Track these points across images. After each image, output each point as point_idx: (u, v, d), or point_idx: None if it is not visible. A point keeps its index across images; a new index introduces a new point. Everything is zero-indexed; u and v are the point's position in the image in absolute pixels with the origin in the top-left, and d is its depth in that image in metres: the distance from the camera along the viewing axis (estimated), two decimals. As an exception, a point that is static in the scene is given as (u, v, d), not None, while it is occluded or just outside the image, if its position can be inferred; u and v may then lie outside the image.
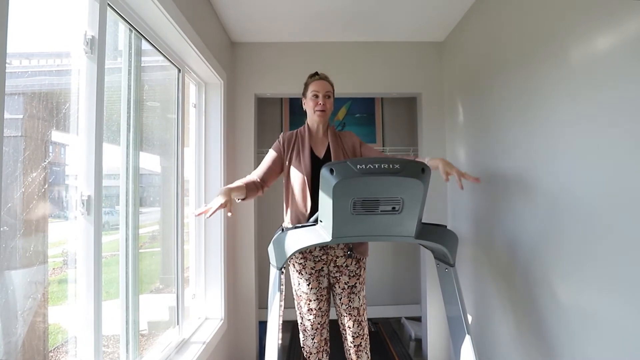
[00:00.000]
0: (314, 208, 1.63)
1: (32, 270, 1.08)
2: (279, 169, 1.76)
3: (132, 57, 1.45)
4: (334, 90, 1.81)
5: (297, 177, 1.70)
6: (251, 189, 1.62)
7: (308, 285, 1.69)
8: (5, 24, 0.71)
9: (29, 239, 1.02)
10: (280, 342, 1.46)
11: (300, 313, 1.74)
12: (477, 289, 2.08)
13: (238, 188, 1.55)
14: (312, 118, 1.78)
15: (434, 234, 1.45)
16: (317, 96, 1.74)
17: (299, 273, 1.71)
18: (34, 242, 1.04)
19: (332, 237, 1.34)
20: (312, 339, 1.73)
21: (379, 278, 3.26)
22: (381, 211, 1.30)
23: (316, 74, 1.79)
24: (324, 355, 1.77)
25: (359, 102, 3.21)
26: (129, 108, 1.42)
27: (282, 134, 1.81)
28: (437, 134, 2.56)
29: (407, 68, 2.59)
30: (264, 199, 2.98)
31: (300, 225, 1.47)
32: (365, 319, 1.76)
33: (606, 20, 1.17)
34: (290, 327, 2.88)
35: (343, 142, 1.78)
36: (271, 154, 1.76)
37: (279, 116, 3.20)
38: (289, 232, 1.45)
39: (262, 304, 2.74)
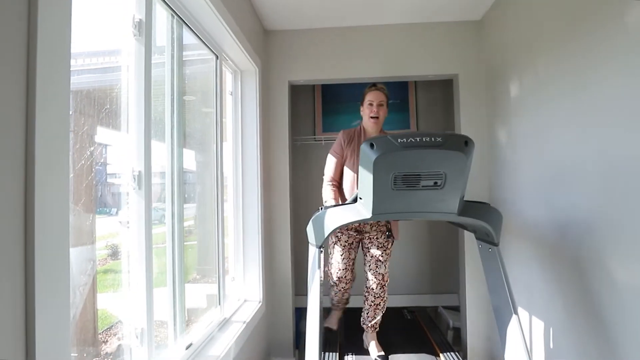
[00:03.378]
0: None
1: (85, 248, 1.15)
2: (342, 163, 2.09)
3: (175, 46, 1.50)
4: (388, 100, 2.07)
5: (348, 175, 2.03)
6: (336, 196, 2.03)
7: (341, 255, 2.06)
8: (69, 24, 0.74)
9: (79, 219, 1.08)
10: (320, 322, 1.47)
11: (330, 275, 2.15)
12: (520, 272, 1.99)
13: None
14: (367, 123, 2.07)
15: (477, 211, 1.41)
16: (371, 104, 2.02)
17: (335, 244, 2.08)
18: (84, 222, 1.10)
19: (372, 213, 1.33)
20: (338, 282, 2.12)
21: (416, 267, 3.21)
22: (422, 186, 1.28)
23: (373, 85, 2.07)
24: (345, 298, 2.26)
25: (392, 88, 3.16)
26: (172, 102, 1.47)
27: (342, 132, 2.10)
28: (476, 117, 2.48)
29: (443, 49, 2.52)
30: (298, 183, 3.01)
31: (339, 203, 1.47)
32: (387, 285, 2.05)
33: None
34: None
35: None
36: (335, 156, 2.07)
37: (311, 104, 3.21)
38: (329, 210, 1.45)
39: (299, 290, 2.77)
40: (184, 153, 1.58)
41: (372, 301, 2.04)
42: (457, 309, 2.92)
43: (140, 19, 1.20)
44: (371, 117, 2.02)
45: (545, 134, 1.75)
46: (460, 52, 2.51)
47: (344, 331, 2.40)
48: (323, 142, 3.12)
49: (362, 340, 2.15)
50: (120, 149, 1.19)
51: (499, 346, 2.35)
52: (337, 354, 2.08)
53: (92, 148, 1.09)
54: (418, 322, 2.61)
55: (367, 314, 2.07)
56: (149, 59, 1.19)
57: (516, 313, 1.35)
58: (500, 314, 1.42)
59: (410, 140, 1.21)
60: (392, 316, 2.71)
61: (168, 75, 1.47)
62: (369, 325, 2.07)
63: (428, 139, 1.21)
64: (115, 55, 1.22)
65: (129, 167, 1.17)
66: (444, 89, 3.18)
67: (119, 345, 1.23)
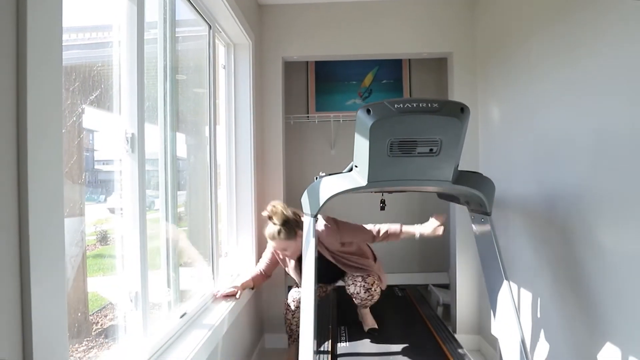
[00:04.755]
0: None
1: (75, 219, 1.13)
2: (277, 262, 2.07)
3: (167, 21, 1.46)
4: (292, 235, 1.83)
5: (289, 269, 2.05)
6: (258, 279, 2.02)
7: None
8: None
9: (70, 191, 1.06)
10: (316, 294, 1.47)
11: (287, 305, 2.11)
12: (509, 245, 2.04)
13: (247, 283, 1.97)
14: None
15: (471, 180, 1.43)
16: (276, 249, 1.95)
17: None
18: (73, 194, 1.08)
19: (368, 181, 1.34)
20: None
21: (406, 246, 3.26)
22: (418, 153, 1.28)
23: (268, 222, 1.87)
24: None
25: (386, 67, 3.15)
26: (164, 80, 1.44)
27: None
28: (469, 96, 2.49)
29: (437, 27, 2.51)
30: (291, 163, 3.00)
31: (334, 172, 1.47)
32: (375, 287, 2.01)
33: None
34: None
35: (324, 243, 1.89)
36: (268, 253, 2.07)
37: (304, 83, 3.18)
38: (324, 178, 1.45)
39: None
40: (176, 136, 1.56)
41: (360, 302, 2.00)
42: (446, 287, 2.98)
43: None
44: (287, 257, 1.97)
45: (537, 110, 1.77)
46: (454, 31, 2.51)
47: (337, 304, 2.44)
48: (317, 121, 3.11)
49: (356, 314, 2.19)
50: (109, 131, 1.17)
51: (485, 320, 2.41)
52: (332, 326, 2.12)
53: (79, 120, 1.06)
54: (409, 299, 2.66)
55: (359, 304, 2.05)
56: (141, 28, 1.16)
57: (507, 279, 1.38)
58: (492, 281, 1.46)
59: (407, 105, 1.21)
60: (384, 294, 2.76)
61: (160, 52, 1.43)
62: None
63: (425, 105, 1.21)
64: (106, 30, 1.18)
65: (122, 130, 1.15)
66: (438, 68, 3.18)
67: (110, 326, 1.23)
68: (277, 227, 1.81)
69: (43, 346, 0.64)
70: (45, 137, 0.66)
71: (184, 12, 1.70)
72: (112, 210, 1.29)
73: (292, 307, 2.06)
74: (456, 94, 2.50)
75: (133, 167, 1.14)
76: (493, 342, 2.33)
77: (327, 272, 2.01)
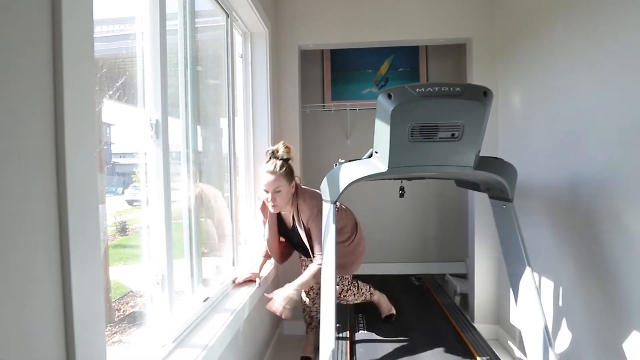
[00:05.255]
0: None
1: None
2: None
3: (187, 12, 1.47)
4: (290, 177, 1.78)
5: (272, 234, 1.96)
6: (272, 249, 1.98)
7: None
8: None
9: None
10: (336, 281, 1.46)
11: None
12: (530, 233, 2.00)
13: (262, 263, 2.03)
14: (268, 205, 1.81)
15: (492, 165, 1.41)
16: (267, 192, 1.76)
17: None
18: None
19: (388, 167, 1.33)
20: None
21: (423, 235, 3.24)
22: (440, 138, 1.27)
23: (270, 158, 1.78)
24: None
25: (403, 55, 3.11)
26: (185, 71, 1.45)
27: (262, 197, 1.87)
28: (489, 81, 2.43)
29: (456, 12, 2.46)
30: (307, 152, 3.00)
31: (354, 159, 1.47)
32: (354, 287, 2.04)
33: None
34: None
35: (300, 214, 1.82)
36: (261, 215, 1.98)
37: (320, 72, 3.17)
38: (344, 165, 1.45)
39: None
40: (197, 127, 1.58)
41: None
42: (464, 276, 2.96)
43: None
44: (270, 205, 1.78)
45: (561, 93, 1.73)
46: (473, 15, 2.45)
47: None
48: (333, 110, 3.10)
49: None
50: (127, 123, 1.19)
51: (504, 310, 2.39)
52: (349, 314, 2.13)
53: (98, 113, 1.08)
54: (426, 288, 2.65)
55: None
56: (163, 23, 1.17)
57: (529, 265, 1.36)
58: (514, 268, 1.44)
59: (429, 89, 1.19)
60: (400, 283, 2.76)
61: (181, 42, 1.44)
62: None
63: (446, 89, 1.19)
64: (128, 22, 1.20)
65: (146, 117, 1.17)
66: (455, 56, 3.12)
67: (132, 312, 1.27)
68: (280, 161, 1.75)
69: (82, 330, 0.67)
70: (80, 129, 0.68)
71: (203, 2, 1.71)
72: (130, 202, 1.32)
73: (311, 296, 2.08)
74: (475, 80, 2.45)
75: (158, 153, 1.16)
76: (512, 331, 2.31)
77: (304, 248, 1.92)
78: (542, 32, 1.88)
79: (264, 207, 1.92)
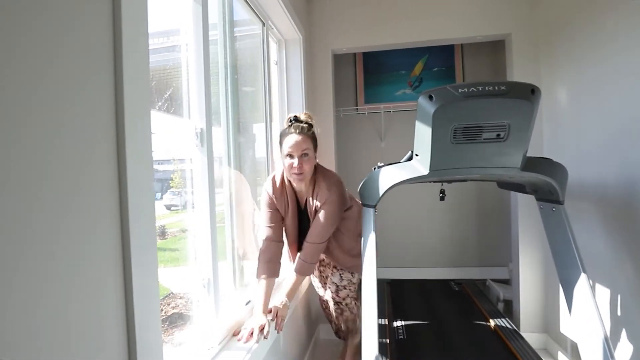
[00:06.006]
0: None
1: None
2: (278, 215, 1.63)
3: (226, 24, 1.52)
4: (316, 142, 1.56)
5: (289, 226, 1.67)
6: (272, 273, 1.54)
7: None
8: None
9: None
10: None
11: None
12: (581, 236, 1.88)
13: (267, 295, 1.48)
14: (292, 178, 1.55)
15: (541, 166, 1.34)
16: (291, 156, 1.49)
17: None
18: None
19: (430, 169, 1.30)
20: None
21: (462, 238, 3.14)
22: (484, 139, 1.23)
23: (292, 122, 1.54)
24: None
25: (437, 54, 3.04)
26: (225, 77, 1.50)
27: (265, 192, 1.62)
28: (531, 78, 2.33)
29: (493, 7, 2.38)
30: (342, 155, 3.00)
31: (392, 162, 1.45)
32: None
33: None
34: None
35: (317, 194, 1.59)
36: (264, 216, 1.64)
37: (352, 75, 3.16)
38: (383, 168, 1.44)
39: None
40: (239, 134, 1.62)
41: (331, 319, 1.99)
42: (506, 282, 2.83)
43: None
44: (293, 174, 1.52)
45: (613, 87, 1.62)
46: (512, 10, 2.36)
47: (391, 300, 2.41)
48: (366, 113, 3.08)
49: (414, 307, 2.14)
50: (165, 132, 1.24)
51: (553, 318, 2.26)
52: (388, 320, 2.10)
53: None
54: (467, 294, 2.56)
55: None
56: (206, 34, 1.22)
57: (585, 271, 1.28)
58: (566, 275, 1.36)
59: (472, 89, 1.16)
60: (439, 288, 2.69)
61: (221, 52, 1.49)
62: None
63: (491, 88, 1.15)
64: (173, 35, 1.25)
65: (192, 126, 1.22)
66: (491, 53, 3.01)
67: (173, 313, 1.31)
68: (306, 125, 1.55)
69: (142, 328, 0.70)
70: (138, 136, 0.71)
71: (240, 11, 1.76)
72: (168, 207, 1.37)
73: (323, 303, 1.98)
74: (517, 77, 2.35)
75: (203, 160, 1.20)
76: (562, 341, 2.18)
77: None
78: (591, 22, 1.78)
79: (270, 202, 1.61)
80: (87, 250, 0.60)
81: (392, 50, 3.00)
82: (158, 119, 1.22)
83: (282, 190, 1.61)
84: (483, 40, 2.55)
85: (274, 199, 1.60)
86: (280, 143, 1.56)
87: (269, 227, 1.60)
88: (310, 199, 1.60)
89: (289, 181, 1.62)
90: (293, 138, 1.49)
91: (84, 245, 0.59)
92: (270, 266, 1.53)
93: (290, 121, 1.57)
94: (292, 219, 1.65)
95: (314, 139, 1.56)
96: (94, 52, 0.63)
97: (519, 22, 2.35)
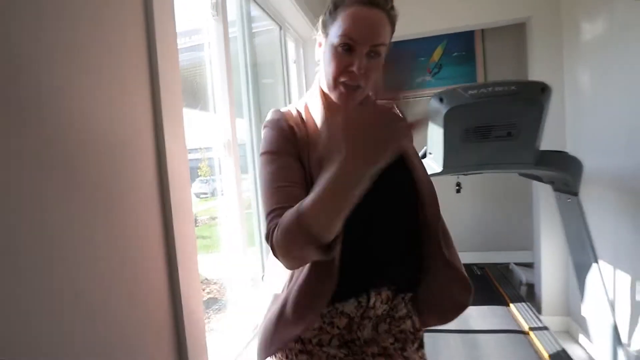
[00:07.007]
0: None
1: None
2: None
3: (244, 22, 1.61)
4: (391, 37, 0.79)
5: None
6: None
7: None
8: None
9: None
10: None
11: None
12: (603, 223, 1.89)
13: None
14: (333, 92, 0.74)
15: (555, 160, 1.38)
16: (350, 49, 0.71)
17: None
18: None
19: (443, 167, 1.37)
20: None
21: (484, 222, 3.16)
22: (495, 137, 1.28)
23: None
24: None
25: (456, 39, 3.00)
26: (246, 74, 1.60)
27: (269, 124, 0.77)
28: (552, 64, 2.28)
29: (514, -9, 2.32)
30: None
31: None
32: None
33: None
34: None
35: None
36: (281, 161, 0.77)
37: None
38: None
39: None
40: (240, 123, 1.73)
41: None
42: (529, 266, 2.85)
43: (217, 0, 1.31)
44: (344, 85, 0.71)
45: (638, 71, 1.59)
46: (534, -8, 2.30)
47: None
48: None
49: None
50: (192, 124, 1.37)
51: (575, 301, 2.29)
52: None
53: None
54: (489, 278, 2.62)
55: None
56: (226, 36, 1.32)
57: (596, 262, 1.33)
58: (580, 264, 1.41)
59: (482, 90, 1.21)
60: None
61: (240, 49, 1.59)
62: None
63: (500, 89, 1.20)
64: (196, 34, 1.36)
65: (219, 138, 1.34)
66: (514, 36, 2.94)
67: (208, 299, 1.46)
68: None
69: (188, 309, 0.84)
70: (175, 130, 0.84)
71: (257, 15, 1.84)
72: (197, 195, 1.49)
73: None
74: (537, 63, 2.32)
75: (230, 168, 1.32)
76: (583, 324, 2.21)
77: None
78: (614, 9, 1.73)
79: (287, 142, 0.74)
80: (136, 246, 0.74)
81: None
82: (186, 115, 1.35)
83: (305, 127, 0.77)
84: (502, 25, 2.51)
85: (297, 133, 0.75)
86: (326, 24, 0.76)
87: (284, 189, 0.69)
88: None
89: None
90: (362, 11, 0.73)
91: (135, 241, 0.73)
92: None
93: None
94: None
95: (392, 26, 0.80)
96: (134, 70, 0.75)
97: (540, 5, 2.29)
